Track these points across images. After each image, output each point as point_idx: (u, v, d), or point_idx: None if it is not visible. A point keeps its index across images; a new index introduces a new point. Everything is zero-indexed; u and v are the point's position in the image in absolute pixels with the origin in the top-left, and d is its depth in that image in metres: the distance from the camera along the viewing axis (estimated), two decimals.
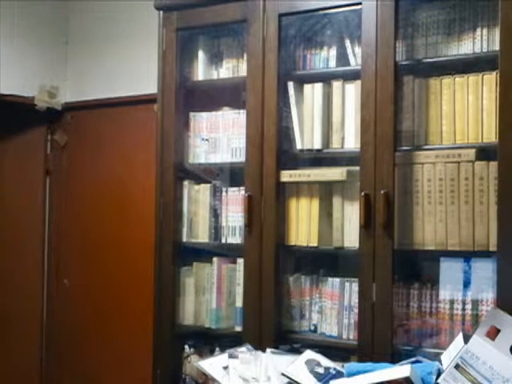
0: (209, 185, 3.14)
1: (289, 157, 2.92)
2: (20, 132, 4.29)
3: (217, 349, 3.00)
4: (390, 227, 2.55)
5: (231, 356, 2.51)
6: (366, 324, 2.59)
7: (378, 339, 2.55)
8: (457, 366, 2.09)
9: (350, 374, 2.25)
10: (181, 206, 3.13)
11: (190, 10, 3.05)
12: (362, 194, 2.59)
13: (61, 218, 4.29)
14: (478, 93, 2.54)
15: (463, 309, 2.52)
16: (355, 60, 2.79)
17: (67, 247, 4.25)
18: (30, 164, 4.33)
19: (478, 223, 2.49)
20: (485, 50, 2.55)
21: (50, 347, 4.29)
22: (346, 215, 2.78)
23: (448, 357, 2.19)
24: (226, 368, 2.46)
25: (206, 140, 3.14)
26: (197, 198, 3.15)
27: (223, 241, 3.07)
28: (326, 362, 2.43)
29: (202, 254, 3.13)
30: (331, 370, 2.38)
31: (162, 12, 3.10)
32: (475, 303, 2.50)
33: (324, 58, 2.90)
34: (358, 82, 2.68)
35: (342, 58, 2.85)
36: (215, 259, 3.07)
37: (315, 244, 2.84)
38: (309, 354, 2.46)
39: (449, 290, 2.55)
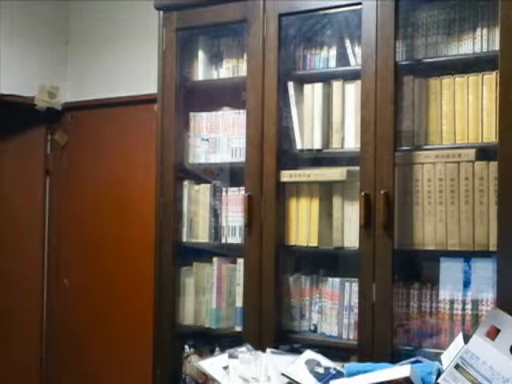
0: (209, 185, 3.14)
1: (289, 157, 2.92)
2: (20, 132, 4.29)
3: (217, 349, 3.00)
4: (390, 227, 2.55)
5: (231, 356, 2.51)
6: (365, 324, 2.59)
7: (378, 339, 2.55)
8: (457, 366, 2.10)
9: (350, 374, 2.25)
10: (181, 206, 3.13)
11: (190, 10, 3.05)
12: (362, 194, 2.59)
13: (61, 218, 4.29)
14: (478, 93, 2.54)
15: (463, 309, 2.52)
16: (355, 60, 2.79)
17: (67, 247, 4.25)
18: (30, 164, 4.33)
19: (478, 223, 2.49)
20: (485, 49, 2.55)
21: (50, 347, 4.29)
22: (346, 215, 2.78)
23: (448, 357, 2.19)
24: (226, 368, 2.46)
25: (206, 140, 3.14)
26: (197, 198, 3.15)
27: (223, 241, 3.07)
28: (326, 362, 2.43)
29: (201, 253, 3.13)
30: (331, 370, 2.38)
31: (161, 12, 3.10)
32: (475, 303, 2.50)
33: (324, 58, 2.90)
34: (358, 82, 2.68)
35: (342, 58, 2.85)
36: (215, 259, 3.07)
37: (315, 244, 2.84)
38: (309, 354, 2.46)
39: (449, 290, 2.55)
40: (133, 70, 3.92)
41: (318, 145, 2.84)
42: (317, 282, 2.88)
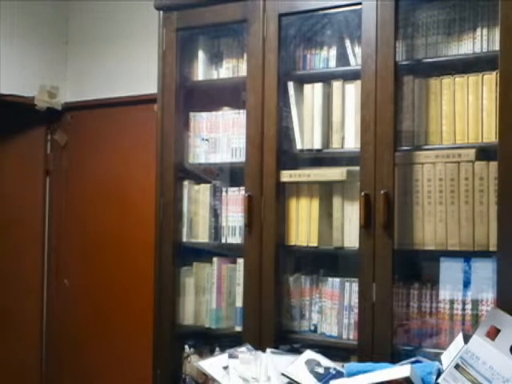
0: (209, 185, 3.14)
1: (289, 157, 2.92)
2: (20, 132, 4.29)
3: (217, 349, 3.00)
4: (390, 227, 2.55)
5: (231, 356, 2.51)
6: (365, 324, 2.59)
7: (378, 339, 2.55)
8: (457, 366, 2.10)
9: (350, 374, 2.25)
10: (181, 206, 3.13)
11: (190, 10, 3.05)
12: (362, 194, 2.59)
13: (61, 218, 4.29)
14: (478, 93, 2.54)
15: (463, 309, 2.52)
16: (355, 60, 2.79)
17: (67, 247, 4.25)
18: (30, 164, 4.33)
19: (478, 223, 2.49)
20: (485, 49, 2.55)
21: (50, 347, 4.29)
22: (346, 215, 2.78)
23: (448, 357, 2.19)
24: (226, 368, 2.46)
25: (206, 140, 3.14)
26: (197, 198, 3.15)
27: (223, 241, 3.07)
28: (325, 362, 2.43)
29: (202, 254, 3.13)
30: (331, 370, 2.38)
31: (162, 12, 3.10)
32: (475, 303, 2.50)
33: (324, 58, 2.90)
34: (358, 82, 2.68)
35: (342, 58, 2.85)
36: (215, 259, 3.07)
37: (315, 244, 2.84)
38: (309, 354, 2.46)
39: (449, 290, 2.55)
40: (133, 70, 3.92)
41: (318, 145, 2.84)
42: (317, 282, 2.88)
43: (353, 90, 2.78)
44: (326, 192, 2.84)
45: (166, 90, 3.09)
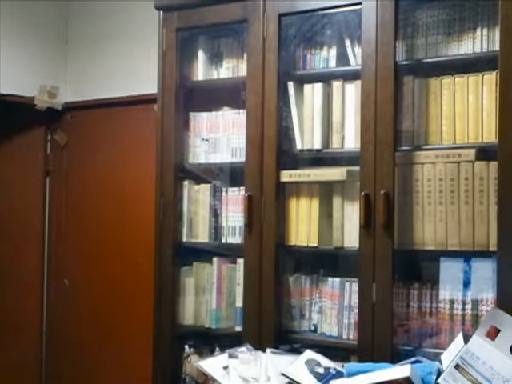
0: (209, 185, 3.14)
1: (289, 157, 2.92)
2: (20, 132, 4.29)
3: (217, 349, 3.00)
4: (390, 227, 2.55)
5: (231, 356, 2.51)
6: (365, 324, 2.59)
7: (378, 339, 2.55)
8: (457, 366, 2.10)
9: (350, 374, 2.25)
10: (181, 206, 3.13)
11: (190, 10, 3.05)
12: (362, 194, 2.59)
13: (61, 218, 4.29)
14: (477, 93, 2.54)
15: (463, 309, 2.52)
16: (355, 60, 2.79)
17: (67, 247, 4.25)
18: (30, 164, 4.33)
19: (478, 223, 2.49)
20: (485, 49, 2.56)
21: (50, 347, 4.29)
22: (346, 215, 2.78)
23: (448, 357, 2.19)
24: (226, 368, 2.46)
25: (206, 140, 3.14)
26: (197, 198, 3.15)
27: (223, 241, 3.07)
28: (325, 362, 2.43)
29: (201, 254, 3.13)
30: (331, 370, 2.38)
31: (161, 12, 3.10)
32: (475, 303, 2.50)
33: (324, 58, 2.90)
34: (358, 82, 2.68)
35: (342, 58, 2.85)
36: (215, 259, 3.07)
37: (315, 244, 2.84)
38: (309, 354, 2.46)
39: (449, 290, 2.55)
40: (133, 70, 3.92)
41: (318, 145, 2.84)
42: (317, 282, 2.88)
43: (353, 89, 2.78)
44: (325, 192, 2.84)
45: (165, 90, 3.09)
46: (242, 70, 3.05)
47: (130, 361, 3.88)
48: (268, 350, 2.55)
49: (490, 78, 2.51)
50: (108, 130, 4.08)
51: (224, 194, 3.09)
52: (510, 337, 2.12)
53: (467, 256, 2.52)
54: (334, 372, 2.37)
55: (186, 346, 3.11)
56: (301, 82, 2.91)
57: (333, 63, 2.88)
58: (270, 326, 2.81)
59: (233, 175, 3.13)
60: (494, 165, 2.44)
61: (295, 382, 2.31)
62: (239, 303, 2.96)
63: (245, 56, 3.02)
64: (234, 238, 3.04)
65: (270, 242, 2.82)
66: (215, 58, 3.18)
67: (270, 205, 2.83)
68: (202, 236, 3.13)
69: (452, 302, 2.54)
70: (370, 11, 2.60)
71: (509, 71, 2.34)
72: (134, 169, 3.94)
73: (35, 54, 4.11)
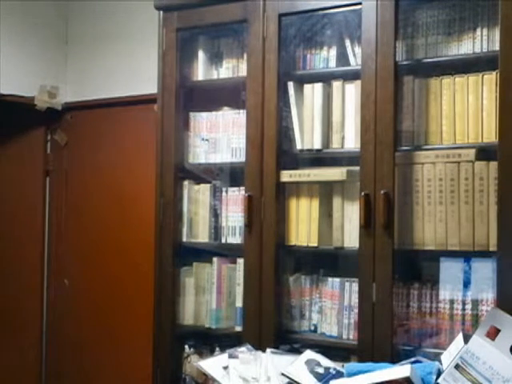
0: (209, 185, 3.14)
1: (289, 157, 2.92)
2: (20, 132, 4.29)
3: (217, 349, 3.00)
4: (390, 227, 2.55)
5: (231, 356, 2.51)
6: (365, 324, 2.59)
7: (378, 339, 2.55)
8: (457, 366, 2.10)
9: (350, 374, 2.25)
10: (181, 206, 3.13)
11: (190, 10, 3.05)
12: (362, 194, 2.59)
13: (61, 218, 4.29)
14: (477, 93, 2.54)
15: (463, 309, 2.52)
16: (355, 60, 2.79)
17: (67, 247, 4.25)
18: (29, 164, 4.33)
19: (478, 223, 2.49)
20: (485, 49, 2.56)
21: (50, 347, 4.29)
22: (346, 215, 2.78)
23: (448, 357, 2.19)
24: (226, 368, 2.45)
25: (206, 140, 3.14)
26: (197, 198, 3.15)
27: (223, 241, 3.07)
28: (325, 362, 2.43)
29: (201, 254, 3.13)
30: (331, 370, 2.38)
31: (161, 12, 3.10)
32: (475, 303, 2.50)
33: (324, 58, 2.90)
34: (358, 82, 2.68)
35: (342, 58, 2.85)
36: (215, 259, 3.07)
37: (315, 244, 2.84)
38: (309, 354, 2.46)
39: (449, 290, 2.55)
40: (133, 69, 3.92)
41: (318, 145, 2.84)
42: (317, 282, 2.88)
43: (353, 90, 2.78)
44: (325, 192, 2.84)
45: (165, 90, 3.09)
46: (242, 70, 3.05)
47: (130, 361, 3.88)
48: (268, 350, 2.55)
49: (490, 78, 2.51)
50: (108, 130, 4.08)
51: (224, 194, 3.09)
52: (510, 337, 2.12)
53: (467, 256, 2.52)
54: (333, 372, 2.37)
55: (186, 346, 3.11)
56: (301, 82, 2.91)
57: (333, 63, 2.88)
58: (270, 326, 2.81)
59: (233, 175, 3.13)
60: (494, 165, 2.44)
61: (295, 381, 2.31)
62: (239, 303, 2.96)
63: (245, 56, 3.02)
64: (234, 238, 3.04)
65: (270, 242, 2.82)
66: (215, 58, 3.18)
67: (270, 205, 2.83)
68: (202, 236, 3.13)
69: (452, 301, 2.54)
70: (370, 11, 2.60)
71: (509, 71, 2.35)
72: (134, 169, 3.94)
73: (35, 54, 4.11)
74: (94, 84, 4.13)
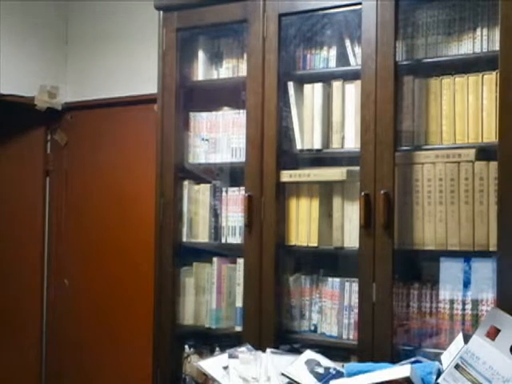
0: (209, 185, 3.14)
1: (289, 157, 2.92)
2: (20, 132, 4.29)
3: (217, 349, 3.00)
4: (390, 227, 2.55)
5: (231, 356, 2.51)
6: (365, 324, 2.59)
7: (378, 339, 2.55)
8: (457, 366, 2.10)
9: (350, 374, 2.25)
10: (181, 206, 3.13)
11: (190, 10, 3.05)
12: (362, 194, 2.59)
13: (61, 218, 4.29)
14: (477, 93, 2.54)
15: (463, 309, 2.52)
16: (355, 60, 2.79)
17: (67, 247, 4.25)
18: (29, 164, 4.33)
19: (478, 223, 2.49)
20: (485, 49, 2.56)
21: (50, 347, 4.29)
22: (346, 215, 2.78)
23: (448, 357, 2.19)
24: (226, 368, 2.45)
25: (206, 140, 3.14)
26: (197, 198, 3.15)
27: (223, 241, 3.07)
28: (325, 362, 2.43)
29: (201, 254, 3.13)
30: (331, 370, 2.38)
31: (161, 12, 3.10)
32: (475, 303, 2.50)
33: (324, 58, 2.90)
34: (358, 82, 2.68)
35: (342, 58, 2.85)
36: (215, 259, 3.07)
37: (315, 244, 2.84)
38: (309, 354, 2.46)
39: (449, 290, 2.55)
40: (133, 69, 3.92)
41: (318, 145, 2.84)
42: (317, 282, 2.88)
43: (353, 90, 2.78)
44: (325, 192, 2.84)
45: (165, 90, 3.09)
46: (242, 70, 3.05)
47: (130, 361, 3.88)
48: (268, 350, 2.55)
49: (490, 78, 2.51)
50: (108, 130, 4.08)
51: (224, 194, 3.09)
52: (510, 337, 2.12)
53: (467, 256, 2.52)
54: (333, 372, 2.37)
55: (186, 346, 3.11)
56: (301, 82, 2.91)
57: (333, 63, 2.88)
58: (270, 326, 2.81)
59: (233, 175, 3.13)
60: (494, 165, 2.44)
61: (295, 381, 2.31)
62: (239, 303, 2.96)
63: (245, 56, 3.02)
64: (234, 238, 3.04)
65: (270, 242, 2.82)
66: (215, 58, 3.18)
67: (270, 205, 2.83)
68: (202, 236, 3.13)
69: (452, 302, 2.54)
70: (370, 11, 2.60)
71: (509, 71, 2.35)
72: (134, 169, 3.94)
73: (35, 54, 4.11)
74: (93, 84, 4.13)
